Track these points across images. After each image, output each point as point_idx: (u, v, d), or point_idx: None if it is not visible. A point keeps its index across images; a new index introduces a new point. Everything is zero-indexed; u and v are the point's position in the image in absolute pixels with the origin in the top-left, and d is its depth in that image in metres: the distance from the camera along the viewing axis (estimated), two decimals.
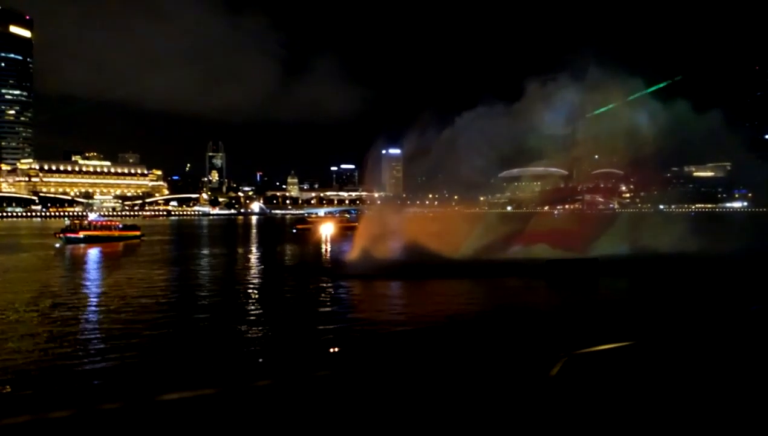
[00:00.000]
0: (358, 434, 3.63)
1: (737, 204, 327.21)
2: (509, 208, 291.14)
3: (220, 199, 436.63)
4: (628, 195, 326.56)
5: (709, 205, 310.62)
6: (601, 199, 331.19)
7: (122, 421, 2.01)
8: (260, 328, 30.60)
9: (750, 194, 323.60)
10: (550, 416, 3.32)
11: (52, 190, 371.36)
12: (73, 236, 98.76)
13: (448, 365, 3.43)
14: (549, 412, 3.35)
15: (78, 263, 68.98)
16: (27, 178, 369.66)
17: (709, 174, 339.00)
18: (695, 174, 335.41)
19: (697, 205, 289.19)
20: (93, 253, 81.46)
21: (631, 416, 3.53)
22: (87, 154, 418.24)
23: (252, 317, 33.70)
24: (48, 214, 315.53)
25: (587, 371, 3.71)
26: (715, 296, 36.86)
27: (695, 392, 3.95)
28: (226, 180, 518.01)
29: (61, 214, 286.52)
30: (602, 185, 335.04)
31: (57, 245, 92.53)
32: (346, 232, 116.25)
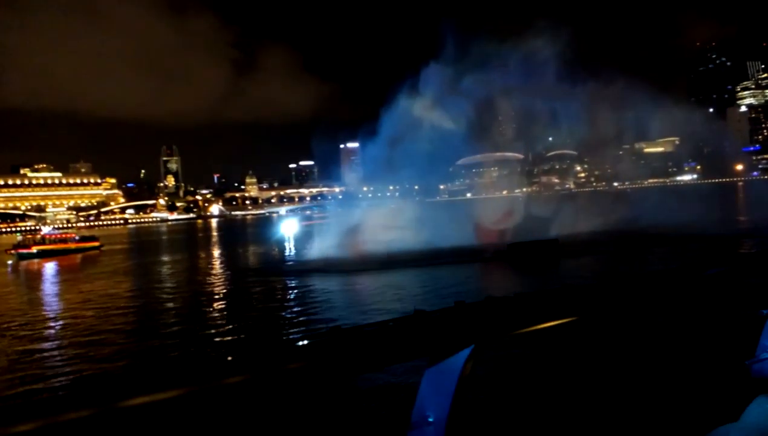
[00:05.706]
0: (332, 423, 3.87)
1: (687, 177, 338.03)
2: (468, 194, 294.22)
3: (178, 204, 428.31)
4: (582, 175, 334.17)
5: (661, 180, 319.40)
6: (557, 181, 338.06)
7: (90, 430, 1.98)
8: (227, 328, 30.62)
9: (698, 167, 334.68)
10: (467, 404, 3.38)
11: (1, 205, 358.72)
12: (25, 251, 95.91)
13: (405, 356, 3.59)
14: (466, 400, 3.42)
15: (33, 279, 67.18)
16: None
17: (659, 149, 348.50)
18: (646, 150, 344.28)
19: (649, 180, 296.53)
20: (49, 267, 79.34)
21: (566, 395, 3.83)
22: (36, 167, 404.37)
23: (218, 319, 33.63)
24: None
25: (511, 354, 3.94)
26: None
27: (643, 359, 4.30)
28: (182, 184, 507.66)
29: (13, 229, 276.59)
30: (557, 167, 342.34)
31: (10, 263, 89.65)
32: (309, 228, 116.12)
